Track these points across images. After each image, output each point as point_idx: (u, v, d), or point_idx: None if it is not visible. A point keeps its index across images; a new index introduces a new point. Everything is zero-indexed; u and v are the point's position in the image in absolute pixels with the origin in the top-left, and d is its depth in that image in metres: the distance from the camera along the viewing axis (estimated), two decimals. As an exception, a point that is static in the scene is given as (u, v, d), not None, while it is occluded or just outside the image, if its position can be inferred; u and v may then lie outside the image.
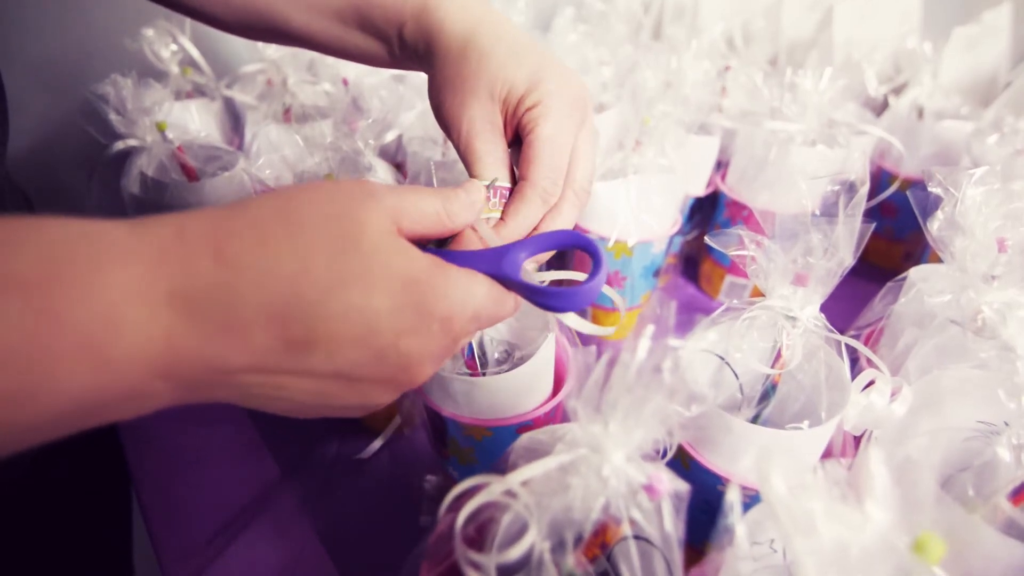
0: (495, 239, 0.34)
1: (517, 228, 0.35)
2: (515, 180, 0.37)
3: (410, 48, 0.39)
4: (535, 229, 0.38)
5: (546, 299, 0.31)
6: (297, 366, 0.25)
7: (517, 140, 0.37)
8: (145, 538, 0.50)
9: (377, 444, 0.54)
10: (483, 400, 0.41)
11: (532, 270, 0.41)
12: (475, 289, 0.29)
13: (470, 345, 0.43)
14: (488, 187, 0.36)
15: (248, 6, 0.40)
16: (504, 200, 0.36)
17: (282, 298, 0.24)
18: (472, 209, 0.32)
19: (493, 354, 0.47)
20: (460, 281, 0.29)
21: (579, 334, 0.68)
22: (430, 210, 0.30)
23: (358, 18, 0.39)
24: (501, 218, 0.36)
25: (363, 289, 0.26)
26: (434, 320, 0.27)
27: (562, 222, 0.38)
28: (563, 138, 0.36)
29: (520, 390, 0.41)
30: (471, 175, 0.37)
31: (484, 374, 0.44)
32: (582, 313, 0.69)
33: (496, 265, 0.31)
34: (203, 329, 0.24)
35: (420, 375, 0.29)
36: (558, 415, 0.45)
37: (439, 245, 0.33)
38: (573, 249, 0.33)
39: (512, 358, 0.47)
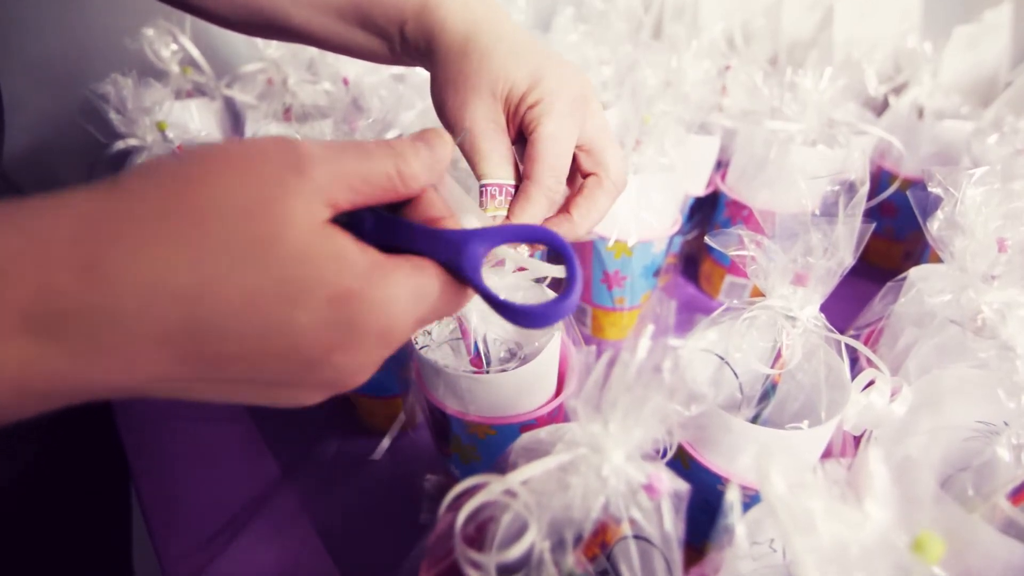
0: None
1: None
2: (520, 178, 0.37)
3: (411, 46, 0.39)
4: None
5: (508, 314, 0.26)
6: (207, 375, 0.22)
7: (522, 139, 0.37)
8: (145, 538, 0.50)
9: (385, 444, 0.54)
10: (487, 398, 0.41)
11: (523, 254, 0.41)
12: (422, 292, 0.25)
13: (475, 343, 0.43)
14: (483, 186, 0.36)
15: (250, 3, 0.40)
16: (509, 198, 0.36)
17: (178, 321, 0.21)
18: (435, 169, 0.27)
19: (498, 352, 0.47)
20: (404, 286, 0.24)
21: (583, 335, 0.68)
22: (379, 173, 0.25)
23: (359, 16, 0.39)
24: (506, 217, 0.36)
25: (283, 306, 0.22)
26: (370, 336, 0.24)
27: (598, 211, 0.38)
28: (566, 135, 0.36)
29: (524, 389, 0.41)
30: (476, 175, 0.37)
31: (488, 372, 0.44)
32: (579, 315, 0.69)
33: (454, 254, 0.26)
34: (73, 353, 0.20)
35: (356, 382, 0.25)
36: (561, 414, 0.45)
37: (392, 210, 0.28)
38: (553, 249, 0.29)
39: (517, 356, 0.47)
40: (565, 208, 0.39)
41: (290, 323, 0.22)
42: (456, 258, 0.26)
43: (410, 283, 0.25)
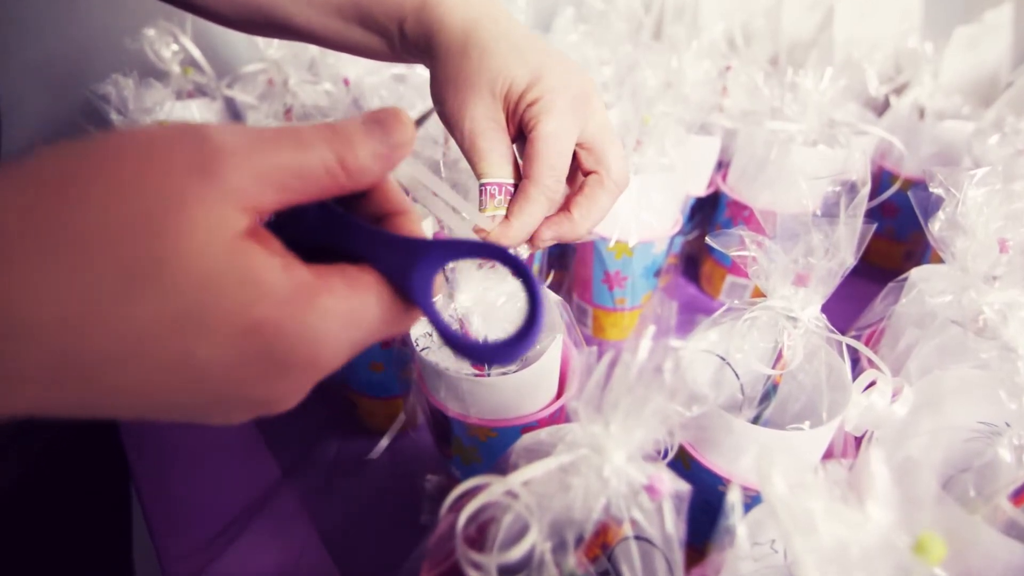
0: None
1: (522, 227, 0.35)
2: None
3: (411, 43, 0.39)
4: (542, 230, 0.39)
5: (458, 349, 0.23)
6: (110, 403, 0.19)
7: (522, 137, 0.37)
8: (145, 538, 0.50)
9: (384, 444, 0.54)
10: (489, 401, 0.41)
11: (522, 254, 0.41)
12: (357, 316, 0.21)
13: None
14: (482, 185, 0.36)
15: (249, 2, 0.40)
16: (509, 198, 0.36)
17: (58, 356, 0.18)
18: (390, 157, 0.23)
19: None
20: (334, 312, 0.21)
21: (584, 336, 0.68)
22: (315, 165, 0.21)
23: (358, 13, 0.39)
24: (506, 217, 0.36)
25: (181, 339, 0.18)
26: (292, 369, 0.20)
27: (599, 210, 0.38)
28: (565, 134, 0.36)
29: (526, 391, 0.41)
30: (476, 174, 0.36)
31: (490, 374, 0.44)
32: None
33: (402, 267, 0.23)
34: None
35: (283, 409, 0.22)
36: (562, 416, 0.45)
37: (343, 200, 0.24)
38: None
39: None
40: (566, 207, 0.38)
41: (191, 359, 0.19)
42: (404, 272, 0.23)
43: (342, 307, 0.21)
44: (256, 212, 0.20)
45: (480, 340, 0.23)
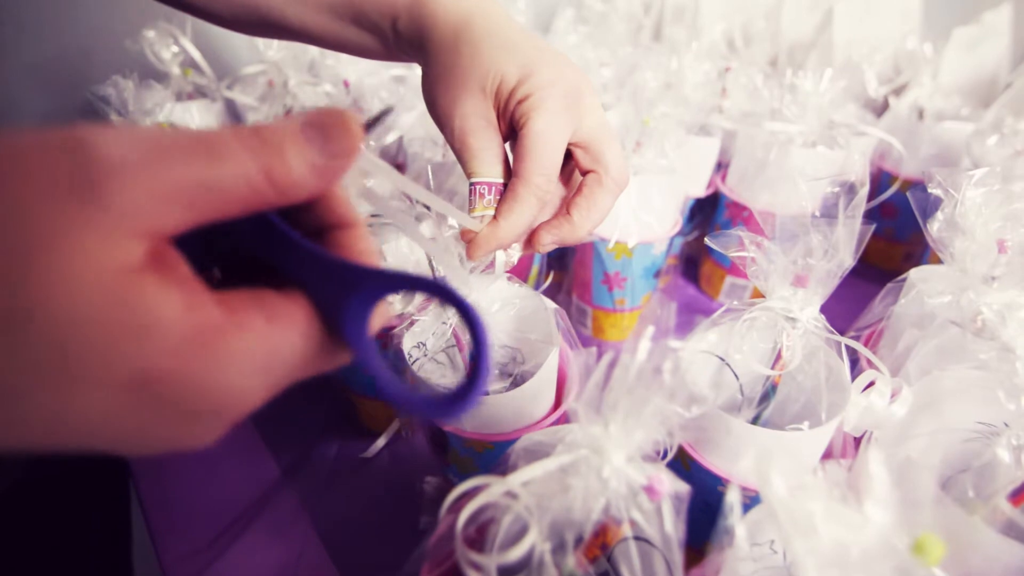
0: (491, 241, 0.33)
1: (511, 228, 0.35)
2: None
3: (404, 41, 0.39)
4: (537, 230, 0.38)
5: (393, 400, 0.20)
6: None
7: (515, 135, 0.36)
8: (145, 539, 0.50)
9: (380, 443, 0.54)
10: (485, 415, 0.40)
11: (515, 256, 0.39)
12: (275, 357, 0.19)
13: (471, 353, 0.43)
14: (472, 184, 0.35)
15: (244, 1, 0.40)
16: (499, 197, 0.35)
17: None
18: (331, 169, 0.20)
19: (495, 357, 0.46)
20: (246, 355, 0.18)
21: (584, 337, 0.68)
22: (233, 179, 0.18)
23: (352, 12, 0.39)
24: (495, 217, 0.35)
25: (57, 393, 0.16)
26: (200, 415, 0.18)
27: (599, 211, 0.37)
28: (556, 132, 0.35)
29: (523, 406, 0.41)
30: (466, 173, 0.36)
31: (487, 391, 0.43)
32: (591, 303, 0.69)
33: (335, 297, 0.20)
34: None
35: (196, 447, 0.19)
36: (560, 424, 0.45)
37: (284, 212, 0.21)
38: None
39: (515, 362, 0.47)
40: (565, 209, 0.38)
41: (70, 412, 0.16)
42: (336, 303, 0.20)
43: (255, 349, 0.18)
44: (157, 237, 0.17)
45: (420, 393, 0.20)
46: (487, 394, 0.18)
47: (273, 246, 0.21)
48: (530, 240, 0.38)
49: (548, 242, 0.38)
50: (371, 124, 0.24)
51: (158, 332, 0.16)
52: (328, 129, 0.20)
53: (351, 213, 0.22)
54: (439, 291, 0.20)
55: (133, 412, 0.17)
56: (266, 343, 0.19)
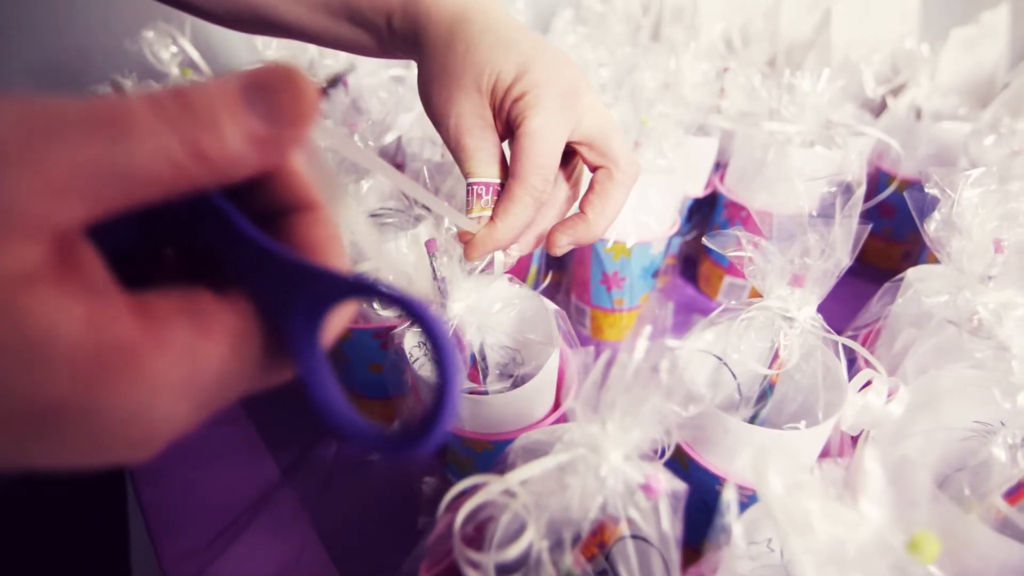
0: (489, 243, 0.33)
1: (507, 229, 0.35)
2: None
3: (399, 38, 0.38)
4: (534, 229, 0.38)
5: (343, 434, 0.17)
6: None
7: (512, 135, 0.36)
8: (143, 540, 0.50)
9: None
10: (485, 416, 0.40)
11: (513, 257, 0.39)
12: (204, 376, 0.16)
13: (471, 355, 0.43)
14: (469, 185, 0.35)
15: None
16: (496, 198, 0.35)
17: None
18: (275, 142, 0.16)
19: (496, 358, 0.46)
20: (166, 378, 0.15)
21: (583, 337, 0.68)
22: (149, 158, 0.14)
23: (347, 9, 0.39)
24: (492, 218, 0.35)
25: None
26: (112, 447, 0.16)
27: (613, 206, 0.37)
28: (553, 130, 0.34)
29: (523, 406, 0.41)
30: (463, 173, 0.36)
31: (486, 385, 0.43)
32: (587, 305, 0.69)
33: (280, 306, 0.17)
34: None
35: (136, 461, 0.17)
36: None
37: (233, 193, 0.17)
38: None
39: (515, 363, 0.47)
40: (579, 208, 0.37)
41: None
42: (281, 309, 0.17)
43: (178, 370, 0.15)
44: (56, 235, 0.14)
45: (375, 426, 0.17)
46: (455, 425, 0.14)
47: (215, 233, 0.17)
48: (547, 242, 0.38)
49: (564, 244, 0.37)
50: (328, 86, 0.20)
51: (52, 355, 0.14)
52: (273, 91, 0.16)
53: (309, 194, 0.19)
54: (403, 304, 0.16)
55: (27, 448, 0.15)
56: (190, 362, 0.15)
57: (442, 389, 0.16)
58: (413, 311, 0.16)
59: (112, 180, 0.14)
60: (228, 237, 0.17)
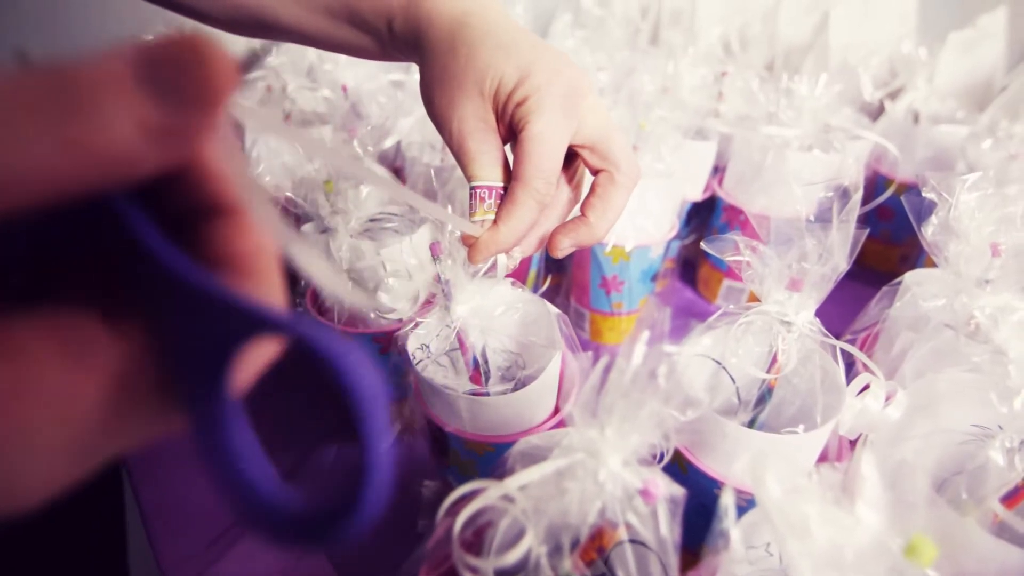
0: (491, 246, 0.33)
1: (511, 232, 0.35)
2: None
3: (400, 41, 0.38)
4: (536, 231, 0.39)
5: (246, 520, 0.13)
6: None
7: (515, 138, 0.36)
8: (142, 542, 0.50)
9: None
10: (487, 418, 0.41)
11: (515, 260, 0.39)
12: (65, 429, 0.13)
13: (474, 357, 0.43)
14: (472, 188, 0.35)
15: (238, 2, 0.40)
16: (499, 201, 0.35)
17: None
18: (181, 132, 0.13)
19: (498, 362, 0.47)
20: (23, 432, 0.12)
21: (582, 340, 0.68)
22: (11, 156, 0.12)
23: (347, 13, 0.39)
24: (495, 221, 0.35)
25: None
26: None
27: (614, 209, 0.37)
28: (556, 134, 0.34)
29: (525, 409, 0.41)
30: (466, 176, 0.36)
31: (488, 388, 0.43)
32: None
33: (177, 338, 0.14)
34: None
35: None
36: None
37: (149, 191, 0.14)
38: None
39: (516, 366, 0.47)
40: (580, 211, 0.38)
41: None
42: (182, 343, 0.14)
43: (43, 414, 0.13)
44: None
45: (285, 513, 0.13)
46: (381, 506, 0.12)
47: (115, 246, 0.14)
48: (549, 244, 0.38)
49: (566, 246, 0.38)
50: (250, 62, 0.17)
51: None
52: (173, 67, 0.13)
53: (231, 195, 0.16)
54: (314, 345, 0.12)
55: None
56: (60, 407, 0.13)
57: (363, 461, 0.12)
58: (319, 348, 0.12)
59: None
60: (127, 250, 0.14)
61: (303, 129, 0.69)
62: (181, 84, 0.13)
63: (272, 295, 0.16)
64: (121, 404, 0.14)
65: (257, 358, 0.15)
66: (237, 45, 0.88)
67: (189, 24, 0.42)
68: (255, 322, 0.13)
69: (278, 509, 0.13)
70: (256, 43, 0.73)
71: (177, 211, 0.15)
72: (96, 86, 0.12)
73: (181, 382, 0.14)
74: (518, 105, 0.34)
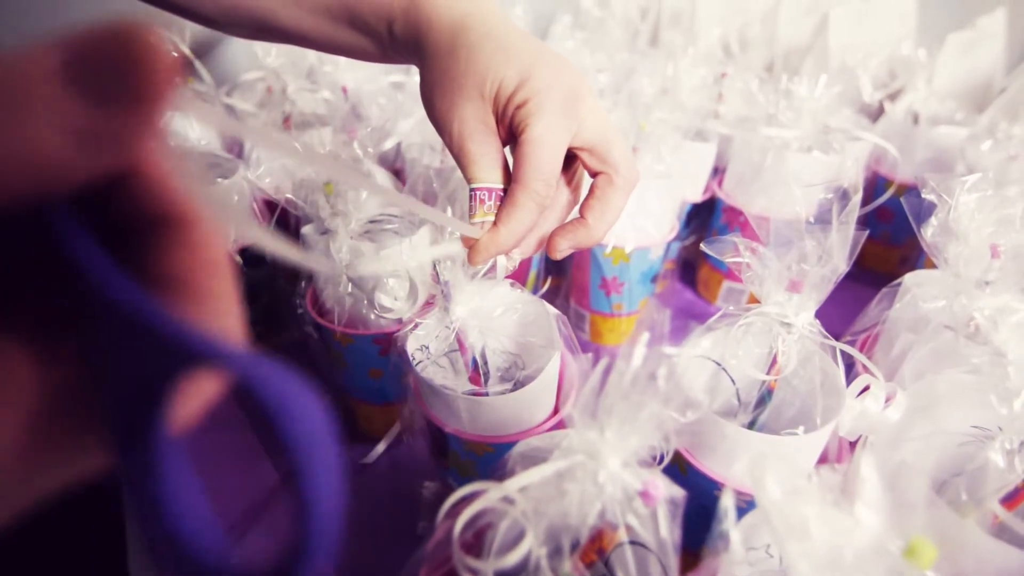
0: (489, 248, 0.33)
1: (510, 234, 0.35)
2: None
3: (400, 44, 0.38)
4: (536, 233, 0.39)
5: (180, 548, 0.12)
6: None
7: (515, 141, 0.36)
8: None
9: (380, 448, 0.54)
10: (487, 418, 0.41)
11: (515, 262, 0.39)
12: None
13: (473, 358, 0.43)
14: (472, 190, 0.35)
15: (237, 4, 0.40)
16: (499, 203, 0.36)
17: None
18: (114, 135, 0.11)
19: (497, 363, 0.47)
20: None
21: (582, 341, 0.68)
22: None
23: (347, 15, 0.39)
24: (495, 223, 0.35)
25: None
26: None
27: (613, 211, 0.37)
28: (555, 137, 0.35)
29: (524, 409, 0.41)
30: (466, 179, 0.36)
31: (487, 388, 0.44)
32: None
33: (108, 376, 0.13)
34: None
35: None
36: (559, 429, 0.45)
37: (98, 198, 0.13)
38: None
39: (516, 367, 0.47)
40: (579, 213, 0.38)
41: None
42: (113, 376, 0.12)
43: None
44: None
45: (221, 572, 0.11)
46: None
47: (48, 262, 0.13)
48: (548, 246, 0.39)
49: (565, 247, 0.38)
50: (193, 56, 0.15)
51: None
52: (106, 61, 0.11)
53: (176, 204, 0.14)
54: (252, 384, 0.11)
55: None
56: None
57: (302, 521, 0.11)
58: (257, 384, 0.11)
59: None
60: (60, 266, 0.12)
61: (297, 136, 0.70)
62: (114, 82, 0.11)
63: (221, 319, 0.14)
64: (46, 440, 0.12)
65: (198, 393, 0.13)
66: (237, 48, 0.87)
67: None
68: (191, 354, 0.11)
69: (212, 569, 0.12)
70: (256, 44, 0.73)
71: (123, 222, 0.14)
72: (20, 86, 0.11)
73: (113, 416, 0.12)
74: (518, 108, 0.34)
